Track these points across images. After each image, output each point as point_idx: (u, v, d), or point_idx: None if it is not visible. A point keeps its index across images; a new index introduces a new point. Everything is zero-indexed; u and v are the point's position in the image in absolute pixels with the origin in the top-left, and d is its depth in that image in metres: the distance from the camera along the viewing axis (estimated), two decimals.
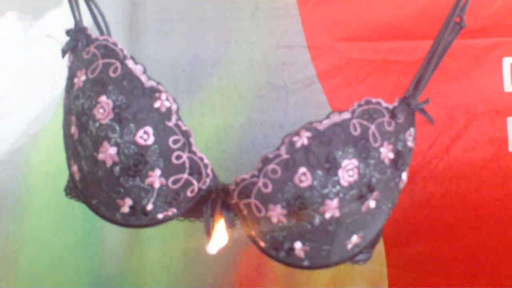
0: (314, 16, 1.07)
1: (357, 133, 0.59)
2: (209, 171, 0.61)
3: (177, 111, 0.60)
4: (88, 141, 0.60)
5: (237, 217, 0.63)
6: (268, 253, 0.63)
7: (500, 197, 1.06)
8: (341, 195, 0.57)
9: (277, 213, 0.58)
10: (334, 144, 0.58)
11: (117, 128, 0.59)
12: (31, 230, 1.14)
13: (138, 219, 0.62)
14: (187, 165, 0.60)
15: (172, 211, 0.62)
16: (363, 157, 0.58)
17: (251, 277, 1.14)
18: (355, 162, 0.58)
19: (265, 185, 0.58)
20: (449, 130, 1.06)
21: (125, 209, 0.61)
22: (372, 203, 0.59)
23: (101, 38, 0.64)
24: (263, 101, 1.10)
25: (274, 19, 1.09)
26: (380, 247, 1.07)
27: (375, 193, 0.59)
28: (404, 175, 0.62)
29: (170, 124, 0.60)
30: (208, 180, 0.61)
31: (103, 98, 0.60)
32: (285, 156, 0.58)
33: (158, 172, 0.59)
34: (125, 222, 0.63)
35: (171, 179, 0.60)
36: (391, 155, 0.59)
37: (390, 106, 0.61)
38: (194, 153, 0.60)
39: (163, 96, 0.60)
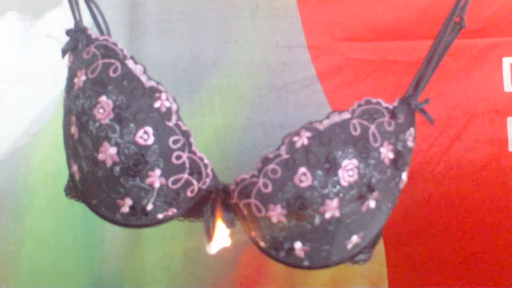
0: (314, 16, 1.07)
1: (357, 133, 0.59)
2: (209, 171, 0.61)
3: (177, 111, 0.60)
4: (88, 141, 0.60)
5: (237, 217, 0.63)
6: (268, 253, 0.63)
7: (500, 197, 1.06)
8: (341, 195, 0.57)
9: (277, 213, 0.59)
10: (334, 144, 0.58)
11: (117, 128, 0.59)
12: (31, 230, 1.14)
13: (138, 219, 0.62)
14: (187, 165, 0.60)
15: (172, 211, 0.62)
16: (363, 157, 0.58)
17: (251, 277, 1.14)
18: (355, 162, 0.58)
19: (265, 185, 0.58)
20: (449, 130, 1.06)
21: (125, 209, 0.61)
22: (372, 203, 0.59)
23: (101, 38, 0.64)
24: (263, 101, 1.10)
25: (274, 19, 1.09)
26: (380, 247, 1.07)
27: (375, 193, 0.59)
28: (404, 175, 0.62)
29: (170, 124, 0.60)
30: (208, 180, 0.61)
31: (103, 98, 0.60)
32: (285, 156, 0.58)
33: (158, 172, 0.59)
34: (125, 222, 0.63)
35: (171, 179, 0.60)
36: (391, 155, 0.59)
37: (390, 106, 0.61)
38: (194, 153, 0.60)
39: (163, 96, 0.60)
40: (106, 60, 0.62)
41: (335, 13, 1.07)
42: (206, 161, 0.61)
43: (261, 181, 0.58)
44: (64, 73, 0.66)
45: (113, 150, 0.59)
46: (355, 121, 0.59)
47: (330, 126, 0.59)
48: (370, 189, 0.59)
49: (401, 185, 0.62)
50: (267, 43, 1.09)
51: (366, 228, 0.62)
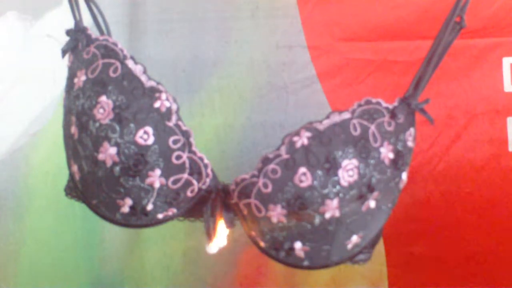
0: (314, 16, 1.07)
1: (357, 133, 0.59)
2: (209, 171, 0.61)
3: (177, 111, 0.60)
4: (88, 141, 0.60)
5: (237, 217, 0.63)
6: (268, 253, 0.63)
7: (500, 197, 1.06)
8: (341, 195, 0.57)
9: (277, 213, 0.58)
10: (334, 144, 0.58)
11: (117, 128, 0.59)
12: (31, 230, 1.14)
13: (138, 219, 0.62)
14: (187, 165, 0.60)
15: (172, 211, 0.62)
16: (363, 157, 0.58)
17: (251, 277, 1.14)
18: (355, 162, 0.58)
19: (265, 185, 0.58)
20: (449, 130, 1.06)
21: (125, 209, 0.61)
22: (372, 203, 0.59)
23: (101, 38, 0.64)
24: (263, 101, 1.10)
25: (274, 19, 1.09)
26: (380, 247, 1.07)
27: (375, 193, 0.59)
28: (404, 175, 0.62)
29: (170, 124, 0.60)
30: (208, 180, 0.61)
31: (103, 98, 0.60)
32: (285, 156, 0.58)
33: (158, 172, 0.59)
34: (125, 222, 0.63)
35: (171, 179, 0.60)
36: (391, 155, 0.59)
37: (390, 106, 0.61)
38: (194, 153, 0.60)
39: (163, 96, 0.60)
40: (106, 60, 0.62)
41: (335, 13, 1.07)
42: (206, 161, 0.61)
43: (261, 181, 0.58)
44: (64, 73, 0.66)
45: (113, 150, 0.59)
46: (355, 121, 0.59)
47: (330, 126, 0.59)
48: (370, 189, 0.59)
49: (401, 185, 0.62)
50: (267, 43, 1.09)
51: (366, 228, 0.62)
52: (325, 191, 0.57)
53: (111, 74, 0.61)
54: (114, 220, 0.63)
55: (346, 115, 0.60)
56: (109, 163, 0.59)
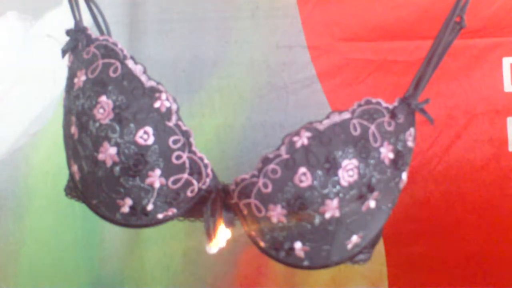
0: (314, 16, 1.07)
1: (357, 133, 0.59)
2: (209, 171, 0.61)
3: (177, 111, 0.60)
4: (88, 141, 0.60)
5: (237, 217, 0.63)
6: (268, 253, 0.63)
7: (500, 197, 1.06)
8: (341, 195, 0.57)
9: (277, 213, 0.58)
10: (334, 144, 0.58)
11: (117, 128, 0.59)
12: (31, 230, 1.14)
13: (138, 219, 0.62)
14: (187, 165, 0.60)
15: (172, 211, 0.62)
16: (363, 157, 0.58)
17: (251, 277, 1.14)
18: (355, 162, 0.58)
19: (265, 185, 0.58)
20: (449, 130, 1.06)
21: (125, 209, 0.61)
22: (372, 203, 0.59)
23: (101, 38, 0.64)
24: (263, 101, 1.10)
25: (274, 19, 1.09)
26: (380, 247, 1.07)
27: (375, 193, 0.59)
28: (404, 175, 0.62)
29: (170, 124, 0.60)
30: (208, 180, 0.61)
31: (103, 98, 0.60)
32: (285, 156, 0.58)
33: (158, 172, 0.59)
34: (125, 222, 0.63)
35: (171, 179, 0.60)
36: (391, 155, 0.59)
37: (390, 106, 0.61)
38: (194, 153, 0.60)
39: (163, 96, 0.60)
40: (106, 60, 0.62)
41: (335, 13, 1.07)
42: (206, 161, 0.61)
43: (261, 181, 0.58)
44: (64, 73, 0.66)
45: (113, 150, 0.59)
46: (355, 121, 0.59)
47: (330, 126, 0.59)
48: (370, 189, 0.59)
49: (401, 185, 0.62)
50: (267, 43, 1.09)
51: (366, 228, 0.62)
52: (325, 191, 0.57)
53: (111, 74, 0.61)
54: (114, 220, 0.63)
55: (346, 115, 0.60)
56: (109, 163, 0.59)
